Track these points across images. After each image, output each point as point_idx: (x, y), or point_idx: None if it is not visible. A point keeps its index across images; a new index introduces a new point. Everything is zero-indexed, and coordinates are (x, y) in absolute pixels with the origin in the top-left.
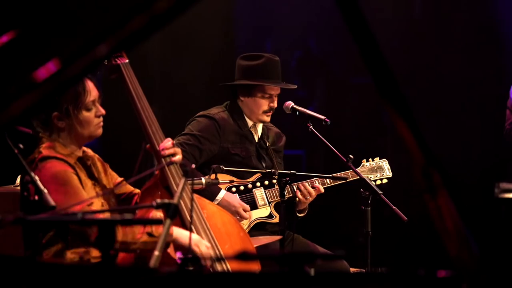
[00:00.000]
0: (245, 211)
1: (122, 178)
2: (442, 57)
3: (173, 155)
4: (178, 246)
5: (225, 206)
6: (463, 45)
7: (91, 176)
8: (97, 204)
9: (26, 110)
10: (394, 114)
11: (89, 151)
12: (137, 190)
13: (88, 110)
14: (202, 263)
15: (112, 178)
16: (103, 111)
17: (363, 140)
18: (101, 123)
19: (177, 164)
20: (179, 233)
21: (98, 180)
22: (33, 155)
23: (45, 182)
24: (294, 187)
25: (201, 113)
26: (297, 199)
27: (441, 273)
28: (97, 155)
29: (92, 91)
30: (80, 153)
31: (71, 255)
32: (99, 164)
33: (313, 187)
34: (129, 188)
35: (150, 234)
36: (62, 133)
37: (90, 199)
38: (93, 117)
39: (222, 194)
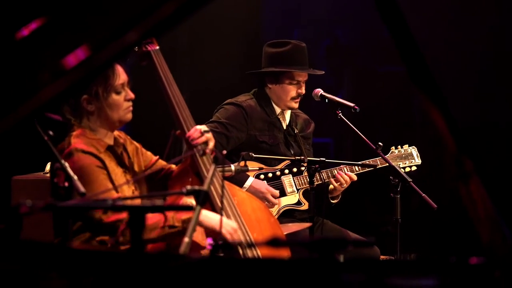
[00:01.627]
0: (273, 196)
1: (157, 157)
2: (473, 41)
3: (206, 143)
4: (205, 230)
5: (253, 192)
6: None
7: (122, 164)
8: (128, 191)
9: (56, 96)
10: (427, 101)
11: (121, 135)
12: (174, 166)
13: (118, 93)
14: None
15: (147, 158)
16: (132, 95)
17: (391, 128)
18: (131, 108)
19: (206, 149)
20: (204, 215)
21: (129, 167)
22: (63, 144)
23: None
24: (324, 174)
25: (228, 100)
26: (331, 186)
27: (473, 260)
28: (128, 137)
29: (121, 74)
30: (110, 141)
31: (98, 242)
32: (131, 148)
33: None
34: (165, 165)
35: (171, 227)
36: (92, 117)
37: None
38: (123, 101)
39: (250, 181)
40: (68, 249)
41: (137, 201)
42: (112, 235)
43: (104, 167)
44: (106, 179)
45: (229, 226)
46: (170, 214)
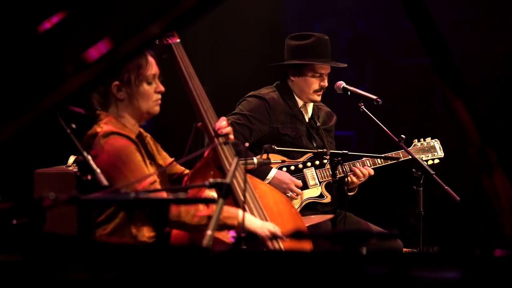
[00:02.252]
0: (297, 187)
1: (173, 158)
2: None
3: (228, 134)
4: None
5: (277, 184)
6: None
7: (148, 154)
8: (156, 179)
9: (78, 89)
10: (451, 93)
11: (143, 131)
12: (187, 171)
13: (149, 83)
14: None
15: (164, 158)
16: (162, 88)
17: (413, 121)
18: (159, 101)
19: (230, 143)
20: (246, 217)
21: (154, 159)
22: (93, 129)
23: (107, 157)
24: (346, 167)
25: (251, 93)
26: (347, 178)
27: (498, 252)
28: (149, 135)
29: (153, 66)
30: (137, 131)
31: (124, 235)
32: (152, 143)
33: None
34: (180, 168)
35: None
36: (121, 104)
37: (150, 176)
38: (153, 92)
39: (273, 172)
40: (92, 242)
41: (163, 193)
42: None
43: (139, 151)
44: (142, 162)
45: (267, 230)
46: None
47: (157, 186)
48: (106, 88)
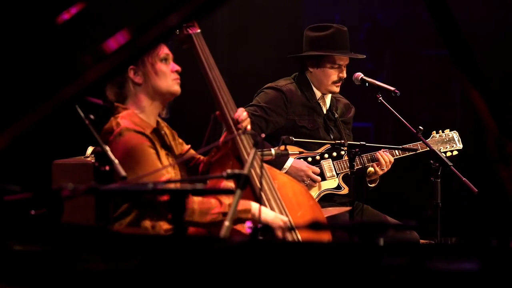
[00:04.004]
0: (314, 173)
1: (189, 146)
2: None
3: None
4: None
5: (294, 172)
6: None
7: (165, 145)
8: (171, 173)
9: (97, 80)
10: (468, 83)
11: (160, 120)
12: (202, 157)
13: (163, 62)
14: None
15: (180, 145)
16: (178, 67)
17: (431, 112)
18: (178, 80)
19: (249, 134)
20: (259, 209)
21: (171, 149)
22: (109, 124)
23: (121, 155)
24: (365, 158)
25: (268, 84)
26: (370, 169)
27: None
28: (165, 123)
29: (164, 47)
30: (154, 124)
31: (143, 227)
32: (168, 132)
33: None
34: (195, 154)
35: (226, 214)
36: (139, 89)
37: (160, 170)
38: (169, 71)
39: (290, 162)
40: (110, 232)
41: (178, 185)
42: (162, 214)
43: (154, 147)
44: (157, 159)
45: (281, 221)
46: (227, 201)
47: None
48: (123, 76)
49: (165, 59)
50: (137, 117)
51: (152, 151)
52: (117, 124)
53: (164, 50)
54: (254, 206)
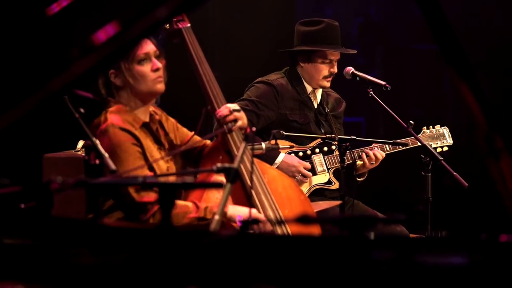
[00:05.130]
0: (305, 169)
1: (192, 132)
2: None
3: (235, 120)
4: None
5: (285, 167)
6: None
7: (157, 140)
8: (163, 167)
9: (85, 72)
10: (457, 77)
11: (157, 111)
12: (209, 142)
13: (140, 63)
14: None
15: (183, 134)
16: (158, 65)
17: (423, 107)
18: (160, 78)
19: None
20: (235, 210)
21: (165, 144)
22: (98, 119)
23: (105, 151)
24: (355, 153)
25: (259, 79)
26: (358, 162)
27: (503, 237)
28: (164, 113)
29: (144, 45)
30: (146, 118)
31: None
32: (168, 124)
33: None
34: (200, 141)
35: (201, 219)
36: (121, 91)
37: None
38: (148, 71)
39: (281, 157)
40: (99, 226)
41: (172, 178)
42: (143, 216)
43: (140, 144)
44: (140, 158)
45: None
46: (203, 205)
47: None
48: (106, 78)
49: (143, 60)
50: (127, 112)
51: (136, 149)
52: (105, 119)
53: (143, 50)
54: (231, 209)
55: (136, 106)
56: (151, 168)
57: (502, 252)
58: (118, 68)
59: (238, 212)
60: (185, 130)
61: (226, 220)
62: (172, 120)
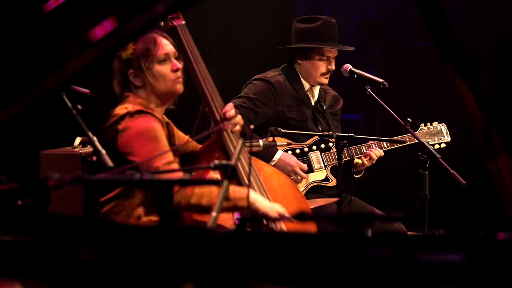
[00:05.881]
0: (302, 170)
1: (188, 136)
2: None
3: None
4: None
5: (282, 166)
6: None
7: (170, 142)
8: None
9: (83, 68)
10: (455, 75)
11: (164, 116)
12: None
13: (161, 63)
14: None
15: (179, 138)
16: (178, 65)
17: (421, 105)
18: (180, 79)
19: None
20: (256, 198)
21: (172, 143)
22: (122, 106)
23: (134, 136)
24: (353, 150)
25: (257, 76)
26: (357, 161)
27: (501, 235)
28: (165, 116)
29: (164, 45)
30: (162, 114)
31: (130, 216)
32: (170, 126)
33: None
34: (195, 146)
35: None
36: (140, 91)
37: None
38: (168, 71)
39: (279, 154)
40: (96, 222)
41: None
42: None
43: (165, 131)
44: (167, 142)
45: (277, 212)
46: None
47: (174, 166)
48: (125, 78)
49: (163, 60)
50: (147, 106)
51: (164, 134)
52: (133, 106)
53: (163, 50)
54: (252, 194)
55: (155, 106)
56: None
57: (499, 250)
58: (139, 67)
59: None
60: (181, 133)
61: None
62: (171, 123)
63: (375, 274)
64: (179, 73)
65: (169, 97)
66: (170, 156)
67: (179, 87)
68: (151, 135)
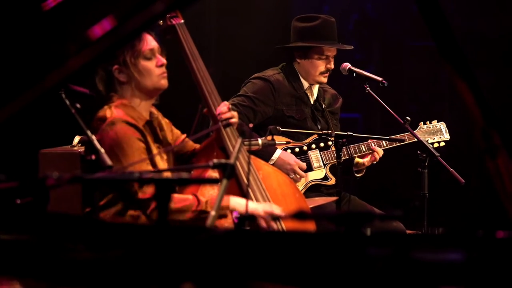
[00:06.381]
0: (301, 169)
1: (185, 135)
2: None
3: (230, 118)
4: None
5: (281, 164)
6: None
7: (157, 139)
8: (163, 165)
9: (82, 67)
10: (454, 74)
11: (154, 111)
12: (199, 146)
13: (147, 59)
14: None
15: (175, 135)
16: (163, 61)
17: (420, 103)
18: (165, 74)
19: (233, 125)
20: (236, 203)
21: (163, 142)
22: (103, 112)
23: (110, 144)
24: (352, 149)
25: (256, 75)
26: (359, 160)
27: (500, 234)
28: (160, 114)
29: (149, 41)
30: (147, 115)
31: (128, 217)
32: (164, 123)
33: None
34: (192, 145)
35: (202, 212)
36: (125, 87)
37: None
38: (154, 67)
39: (278, 153)
40: (95, 222)
41: (167, 175)
42: (144, 211)
43: (144, 140)
44: (144, 153)
45: (263, 212)
46: (204, 199)
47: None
48: (109, 74)
49: (149, 55)
50: (130, 107)
51: (141, 144)
52: (111, 113)
53: (148, 46)
54: (233, 201)
55: (140, 102)
56: (152, 165)
57: (498, 248)
58: (124, 63)
59: (239, 205)
60: (178, 131)
61: (225, 212)
62: (166, 120)
63: (374, 273)
64: (163, 68)
65: (154, 92)
66: (145, 166)
67: (164, 82)
68: (124, 145)
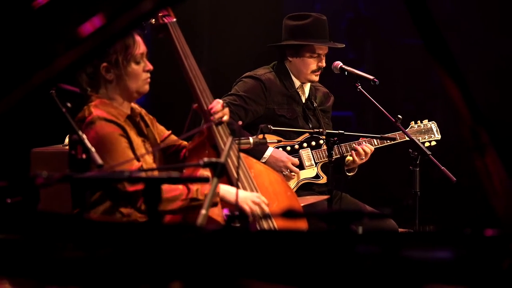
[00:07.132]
0: (294, 164)
1: (169, 131)
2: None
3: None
4: (225, 204)
5: (274, 162)
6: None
7: (140, 133)
8: (149, 160)
9: (70, 65)
10: (442, 72)
11: (136, 107)
12: (185, 143)
13: (137, 63)
14: (249, 219)
15: (160, 132)
16: (151, 66)
17: (412, 102)
18: (149, 79)
19: (225, 123)
20: (226, 190)
21: (147, 136)
22: (82, 113)
23: (92, 143)
24: (343, 148)
25: (247, 73)
26: (348, 158)
27: (489, 232)
28: (143, 110)
29: (141, 44)
30: (128, 111)
31: (117, 214)
32: (146, 119)
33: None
34: (176, 141)
35: (193, 199)
36: (110, 86)
37: (132, 160)
38: (141, 71)
39: (270, 151)
40: (85, 220)
41: (154, 173)
42: (134, 204)
43: (126, 135)
44: (128, 148)
45: (249, 200)
46: (194, 187)
47: (145, 164)
48: (95, 69)
49: (139, 59)
50: (110, 105)
51: (123, 140)
52: (89, 112)
53: (140, 50)
54: (222, 189)
55: (122, 101)
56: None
57: (487, 246)
58: (116, 63)
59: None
60: (162, 128)
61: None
62: (150, 116)
63: (363, 271)
64: (148, 74)
65: (137, 95)
66: (137, 164)
67: (147, 87)
68: (107, 143)
